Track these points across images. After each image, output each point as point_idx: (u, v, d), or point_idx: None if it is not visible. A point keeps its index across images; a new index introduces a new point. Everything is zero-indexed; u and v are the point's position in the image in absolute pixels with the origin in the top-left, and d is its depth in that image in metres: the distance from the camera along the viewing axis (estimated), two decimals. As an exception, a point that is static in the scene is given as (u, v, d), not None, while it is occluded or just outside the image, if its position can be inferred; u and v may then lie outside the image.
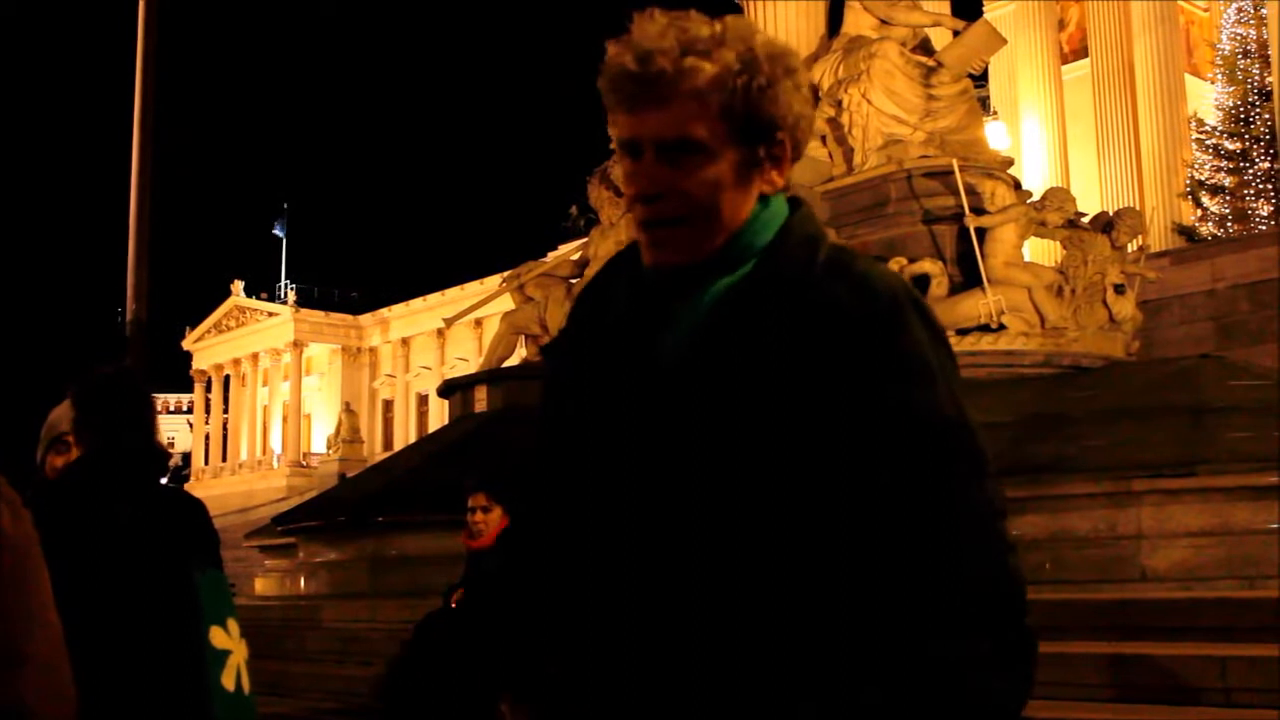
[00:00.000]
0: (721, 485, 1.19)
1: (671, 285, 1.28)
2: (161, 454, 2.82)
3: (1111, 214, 10.28)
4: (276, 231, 55.86)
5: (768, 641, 1.18)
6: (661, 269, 1.28)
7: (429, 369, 47.68)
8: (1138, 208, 15.50)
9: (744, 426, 1.18)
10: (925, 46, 10.68)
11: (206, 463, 55.64)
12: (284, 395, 52.76)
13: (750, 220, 1.28)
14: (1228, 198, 23.24)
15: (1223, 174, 23.45)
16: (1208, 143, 23.72)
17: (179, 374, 58.73)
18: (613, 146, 1.29)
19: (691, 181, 1.24)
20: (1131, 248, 10.13)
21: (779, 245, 1.27)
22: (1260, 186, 22.88)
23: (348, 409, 42.78)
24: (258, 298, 55.12)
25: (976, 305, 8.99)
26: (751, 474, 1.19)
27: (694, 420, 1.20)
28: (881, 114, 10.09)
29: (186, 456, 56.05)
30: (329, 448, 42.53)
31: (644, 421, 1.24)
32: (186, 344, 57.73)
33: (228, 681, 2.51)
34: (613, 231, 10.81)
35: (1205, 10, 26.61)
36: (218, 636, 2.53)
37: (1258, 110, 22.99)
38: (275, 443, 52.62)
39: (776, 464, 1.18)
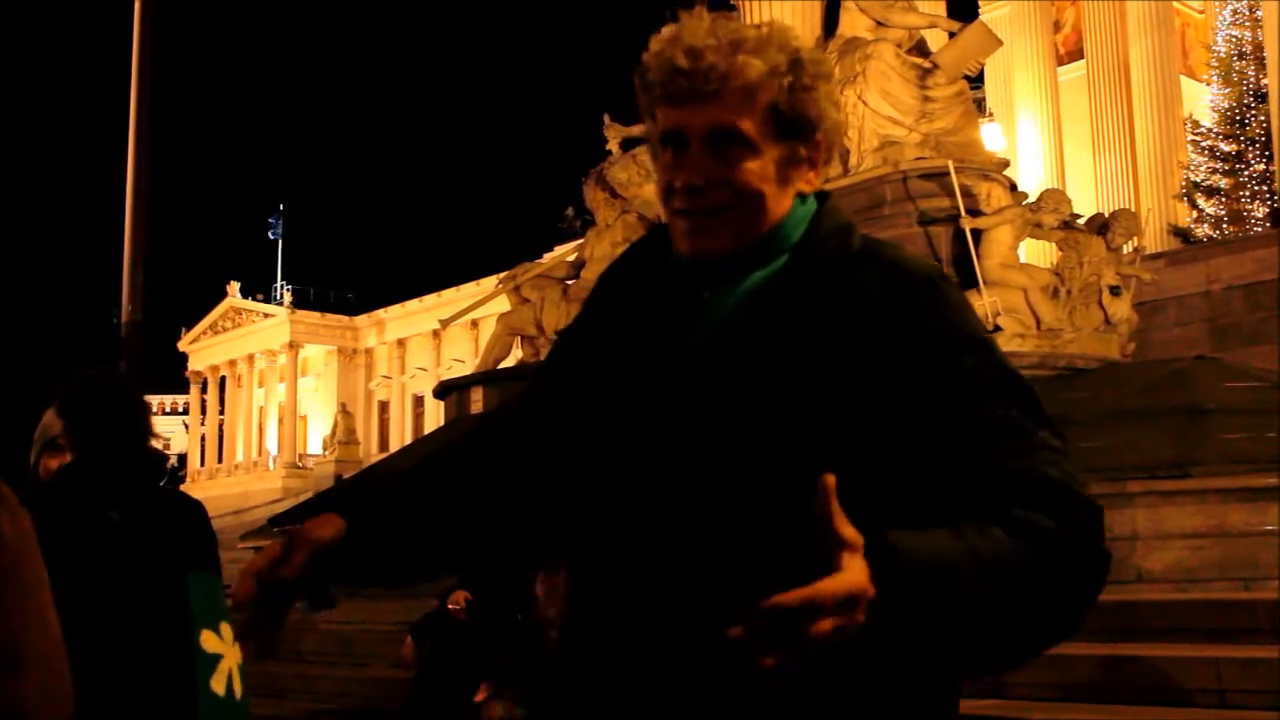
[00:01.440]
0: (751, 472, 1.19)
1: (703, 275, 1.30)
2: (156, 457, 2.79)
3: (1107, 215, 10.36)
4: (271, 233, 56.17)
5: None
6: (698, 258, 1.30)
7: (425, 370, 47.69)
8: (1133, 209, 15.55)
9: (777, 414, 1.19)
10: (921, 48, 10.72)
11: (202, 464, 55.74)
12: (280, 396, 52.78)
13: (787, 216, 1.31)
14: (1223, 199, 23.31)
15: (1218, 176, 23.52)
16: (1203, 145, 23.81)
17: (175, 375, 58.88)
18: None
19: (737, 173, 1.27)
20: (1127, 249, 10.19)
21: (811, 237, 1.30)
22: (1255, 188, 22.95)
23: (343, 410, 42.81)
24: (253, 299, 55.22)
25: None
26: (780, 460, 1.19)
27: (725, 408, 1.21)
28: (877, 115, 10.15)
29: (183, 458, 56.17)
30: (325, 449, 42.56)
31: (671, 409, 1.25)
32: (182, 345, 57.82)
33: (218, 686, 2.48)
34: (608, 233, 10.86)
35: (1200, 12, 26.68)
36: (209, 640, 2.50)
37: (1253, 112, 23.05)
38: (271, 444, 52.65)
39: (807, 450, 1.18)
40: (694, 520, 1.21)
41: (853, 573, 0.98)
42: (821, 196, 1.36)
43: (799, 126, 1.29)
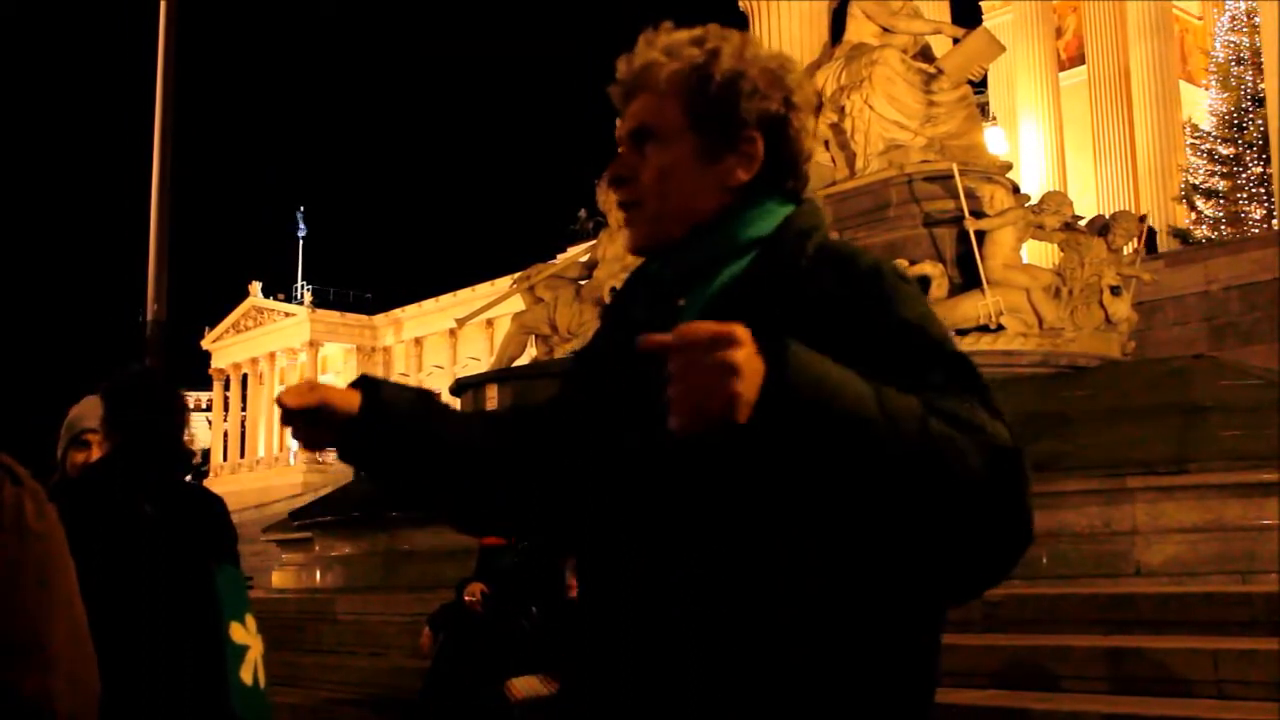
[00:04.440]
0: (719, 464, 1.20)
1: (680, 282, 1.35)
2: (186, 452, 2.83)
3: (1108, 217, 10.38)
4: (299, 232, 56.75)
5: (771, 602, 1.19)
6: (636, 252, 1.39)
7: (441, 368, 47.98)
8: (1133, 211, 15.68)
9: None
10: (926, 54, 10.73)
11: (225, 459, 56.15)
12: (300, 393, 53.17)
13: (731, 213, 1.33)
14: (1221, 201, 23.43)
15: (1217, 178, 23.63)
16: (1202, 148, 23.91)
17: (198, 373, 59.44)
18: (621, 150, 1.43)
19: (647, 166, 1.33)
20: (1127, 250, 10.26)
21: (774, 240, 1.32)
22: (1253, 190, 23.06)
23: (363, 407, 42.80)
24: (275, 298, 55.85)
25: (975, 306, 9.10)
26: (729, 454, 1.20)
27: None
28: (883, 119, 10.15)
29: (206, 453, 56.48)
30: (344, 445, 42.69)
31: (643, 412, 1.27)
32: (205, 343, 58.34)
33: (245, 676, 2.55)
34: (620, 234, 10.83)
35: (1199, 19, 26.78)
36: (237, 632, 2.57)
37: (1251, 116, 23.15)
38: (292, 440, 52.94)
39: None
40: (656, 512, 1.24)
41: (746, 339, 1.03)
42: (799, 199, 1.38)
43: (716, 120, 1.31)
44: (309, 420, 1.32)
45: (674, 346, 1.04)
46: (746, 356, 1.03)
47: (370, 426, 1.33)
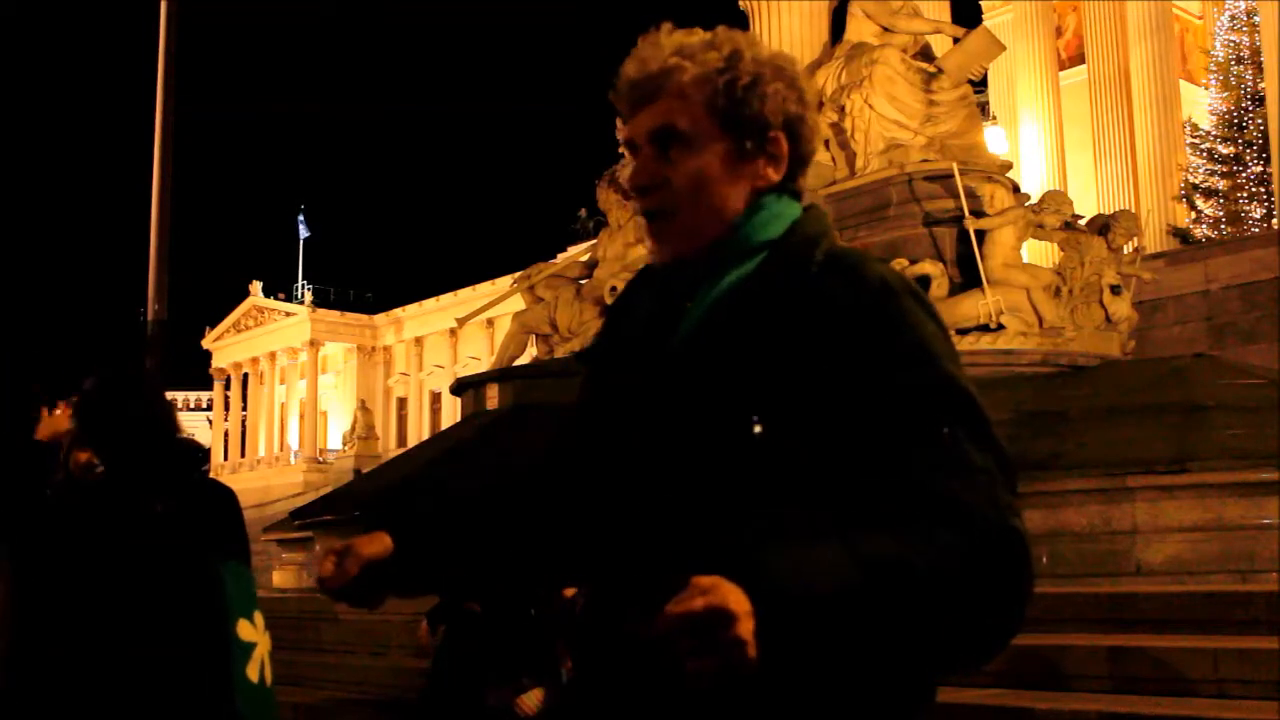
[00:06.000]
0: (712, 456, 1.22)
1: (684, 285, 1.34)
2: (191, 447, 2.81)
3: (1108, 216, 10.40)
4: (303, 231, 56.86)
5: None
6: (666, 264, 1.36)
7: (442, 367, 48.13)
8: (1133, 210, 15.69)
9: (735, 402, 1.22)
10: (926, 53, 10.74)
11: (225, 459, 56.22)
12: (301, 393, 53.36)
13: (748, 214, 1.33)
14: (1221, 201, 23.44)
15: (1217, 177, 23.64)
16: (1202, 147, 23.92)
17: (199, 372, 59.56)
18: (621, 150, 1.44)
19: (678, 172, 1.31)
20: (1127, 249, 10.26)
21: (783, 243, 1.31)
22: (1253, 190, 23.07)
23: (363, 406, 42.95)
24: (275, 298, 55.90)
25: (976, 306, 9.10)
26: (741, 446, 1.21)
27: (691, 397, 1.25)
28: (883, 119, 10.15)
29: (206, 452, 56.49)
30: (344, 444, 42.75)
31: (647, 400, 1.29)
32: (206, 343, 58.46)
33: (252, 673, 2.54)
34: (620, 234, 10.93)
35: (1199, 18, 26.77)
36: (244, 629, 2.55)
37: (1251, 116, 23.18)
38: (292, 439, 53.22)
39: (767, 437, 1.21)
40: (639, 512, 1.26)
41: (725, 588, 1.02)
42: (806, 205, 1.38)
43: (743, 121, 1.31)
44: (359, 587, 1.43)
45: (662, 630, 1.02)
46: (742, 629, 1.01)
47: (412, 559, 1.45)
